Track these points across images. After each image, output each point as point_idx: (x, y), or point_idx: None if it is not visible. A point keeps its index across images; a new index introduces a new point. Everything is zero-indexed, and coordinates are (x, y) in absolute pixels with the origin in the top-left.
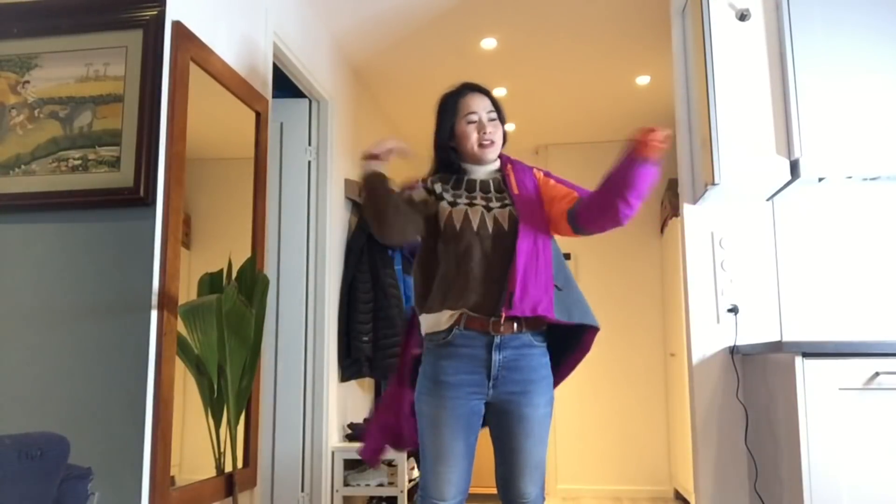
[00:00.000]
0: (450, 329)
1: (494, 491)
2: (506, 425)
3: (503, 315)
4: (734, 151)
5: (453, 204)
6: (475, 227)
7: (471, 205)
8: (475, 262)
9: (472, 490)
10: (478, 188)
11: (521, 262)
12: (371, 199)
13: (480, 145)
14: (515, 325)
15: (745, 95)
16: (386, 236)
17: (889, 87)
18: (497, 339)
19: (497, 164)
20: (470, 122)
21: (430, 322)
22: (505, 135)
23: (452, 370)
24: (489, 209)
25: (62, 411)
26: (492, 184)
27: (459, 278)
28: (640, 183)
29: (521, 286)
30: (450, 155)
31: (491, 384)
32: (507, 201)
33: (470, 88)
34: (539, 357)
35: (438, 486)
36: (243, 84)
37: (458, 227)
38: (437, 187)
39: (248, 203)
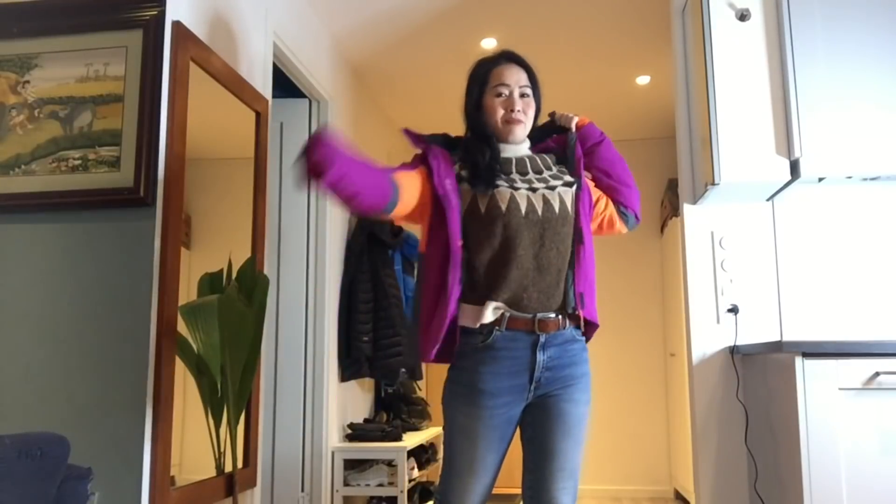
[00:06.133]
0: (489, 331)
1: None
2: (542, 423)
3: (569, 314)
4: (734, 151)
5: (492, 186)
6: (523, 211)
7: (513, 187)
8: (523, 251)
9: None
10: (514, 168)
11: (585, 255)
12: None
13: (506, 121)
14: (560, 319)
15: (745, 95)
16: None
17: (889, 87)
18: (542, 338)
19: (528, 144)
20: (498, 96)
21: (472, 314)
22: (539, 112)
23: (491, 377)
24: (534, 190)
25: (62, 411)
26: (528, 162)
27: (505, 268)
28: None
29: (588, 285)
30: (483, 129)
31: (532, 387)
32: (551, 183)
33: (507, 58)
34: (580, 352)
35: (464, 498)
36: (243, 84)
37: (503, 208)
38: (465, 173)
39: (248, 203)
